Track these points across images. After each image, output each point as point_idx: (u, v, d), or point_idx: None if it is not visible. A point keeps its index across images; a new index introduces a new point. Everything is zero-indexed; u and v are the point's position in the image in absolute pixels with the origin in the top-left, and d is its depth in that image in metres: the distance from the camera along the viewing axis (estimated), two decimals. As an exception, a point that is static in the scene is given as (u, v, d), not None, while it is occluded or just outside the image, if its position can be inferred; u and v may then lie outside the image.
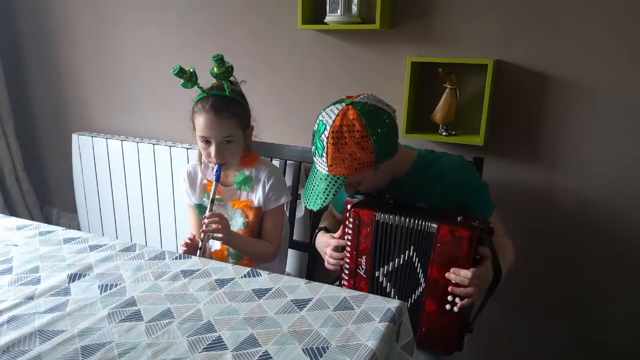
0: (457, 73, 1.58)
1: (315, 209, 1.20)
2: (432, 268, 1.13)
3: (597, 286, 1.63)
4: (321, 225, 1.44)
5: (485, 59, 1.53)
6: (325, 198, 1.18)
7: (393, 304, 0.98)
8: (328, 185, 1.18)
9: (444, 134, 1.63)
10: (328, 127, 1.14)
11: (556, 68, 1.52)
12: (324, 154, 1.16)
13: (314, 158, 1.22)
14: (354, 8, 1.64)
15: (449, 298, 1.12)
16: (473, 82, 1.61)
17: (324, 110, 1.19)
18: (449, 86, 1.57)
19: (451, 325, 1.15)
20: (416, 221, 1.13)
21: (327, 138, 1.14)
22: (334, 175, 1.18)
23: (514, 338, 1.80)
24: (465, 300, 1.10)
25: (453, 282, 1.10)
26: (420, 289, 1.17)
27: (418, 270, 1.16)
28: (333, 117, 1.15)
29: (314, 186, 1.22)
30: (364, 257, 1.21)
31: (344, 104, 1.16)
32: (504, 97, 1.60)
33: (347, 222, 1.21)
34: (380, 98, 1.21)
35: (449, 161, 1.29)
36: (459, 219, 1.12)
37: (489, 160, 1.59)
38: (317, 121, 1.19)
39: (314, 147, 1.21)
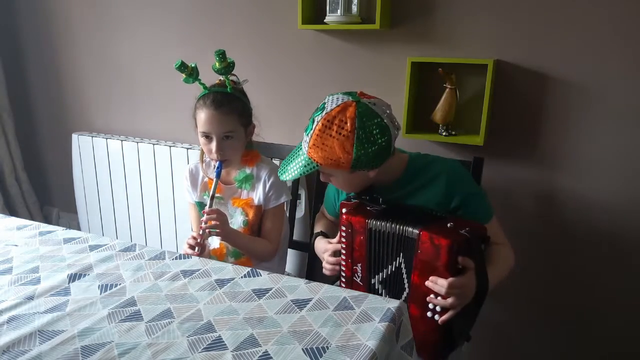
0: (457, 73, 1.58)
1: (285, 180, 1.22)
2: (414, 274, 1.11)
3: (597, 286, 1.63)
4: (317, 229, 1.43)
5: (485, 59, 1.53)
6: (294, 175, 1.19)
7: (393, 304, 0.97)
8: (302, 164, 1.18)
9: (444, 134, 1.63)
10: (324, 112, 1.13)
11: (556, 68, 1.52)
12: (310, 134, 1.14)
13: (304, 132, 1.19)
14: (354, 8, 1.64)
15: (430, 306, 1.10)
16: (473, 82, 1.61)
17: (335, 94, 1.17)
18: (449, 86, 1.57)
19: (433, 332, 1.12)
20: (400, 227, 1.11)
21: (318, 122, 1.13)
22: (309, 157, 1.16)
23: (514, 338, 1.80)
24: (447, 313, 1.08)
25: (432, 290, 1.08)
26: (404, 294, 1.15)
27: (404, 275, 1.15)
28: (334, 105, 1.13)
29: (292, 158, 1.22)
30: (359, 264, 1.19)
31: (351, 98, 1.14)
32: (504, 97, 1.60)
33: (341, 227, 1.20)
34: (392, 114, 1.16)
35: (443, 165, 1.25)
36: (449, 224, 1.08)
37: (489, 160, 1.59)
38: (324, 100, 1.17)
39: (309, 121, 1.18)
